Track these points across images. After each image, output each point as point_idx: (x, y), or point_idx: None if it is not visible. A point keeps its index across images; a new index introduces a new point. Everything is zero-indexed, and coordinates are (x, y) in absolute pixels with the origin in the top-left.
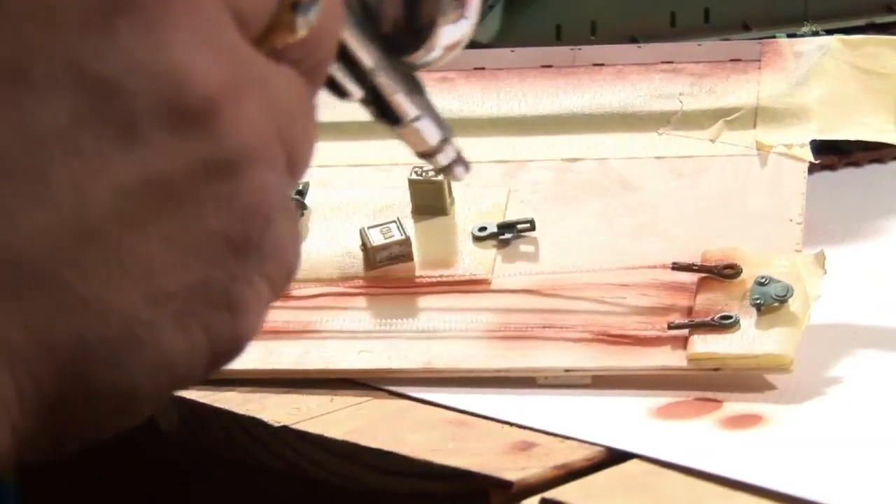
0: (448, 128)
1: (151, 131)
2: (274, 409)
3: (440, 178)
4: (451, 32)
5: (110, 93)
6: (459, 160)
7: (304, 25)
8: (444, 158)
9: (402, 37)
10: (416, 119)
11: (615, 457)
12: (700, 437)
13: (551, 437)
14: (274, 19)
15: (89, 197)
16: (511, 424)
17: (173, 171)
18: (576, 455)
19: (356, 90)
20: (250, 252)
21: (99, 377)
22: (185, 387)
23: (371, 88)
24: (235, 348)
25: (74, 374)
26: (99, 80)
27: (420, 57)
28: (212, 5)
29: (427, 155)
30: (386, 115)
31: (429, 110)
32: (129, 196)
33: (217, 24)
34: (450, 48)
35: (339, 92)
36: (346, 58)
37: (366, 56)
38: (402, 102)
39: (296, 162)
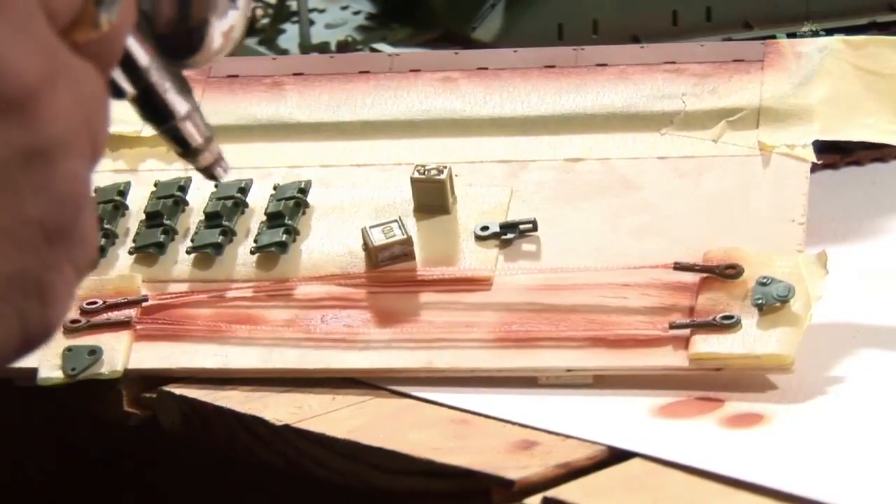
0: (211, 128)
1: None
2: (276, 407)
3: (443, 177)
4: (224, 24)
5: None
6: (221, 159)
7: (106, 21)
8: (208, 157)
9: (177, 37)
10: (185, 118)
11: (617, 456)
12: (701, 437)
13: (553, 436)
14: (78, 14)
15: None
16: (513, 423)
17: None
18: (577, 454)
19: (130, 88)
20: (63, 240)
21: None
22: None
23: (144, 87)
24: (45, 335)
25: None
26: None
27: (199, 58)
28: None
29: (191, 154)
30: (156, 113)
31: (196, 110)
32: None
33: (31, 16)
34: (225, 41)
35: (114, 90)
36: (122, 56)
37: (141, 54)
38: (174, 101)
39: (98, 151)
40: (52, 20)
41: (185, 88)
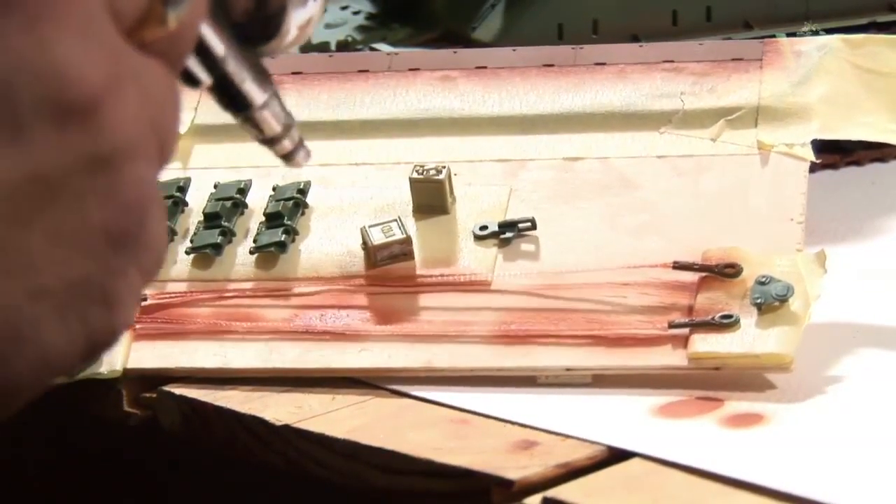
0: (290, 115)
1: (35, 127)
2: (276, 407)
3: (442, 176)
4: (302, 16)
5: None
6: (301, 146)
7: (174, 19)
8: (288, 144)
9: (254, 25)
10: (264, 106)
11: (616, 455)
12: (701, 436)
13: (553, 436)
14: (145, 12)
15: None
16: (512, 423)
17: (56, 166)
18: (577, 454)
19: (206, 78)
20: (128, 245)
21: None
22: (58, 379)
23: (221, 76)
24: (110, 341)
25: None
26: None
27: (275, 45)
28: (90, 1)
29: (271, 141)
30: (234, 102)
31: (275, 97)
32: (13, 192)
33: (96, 19)
34: (300, 33)
35: (189, 80)
36: (197, 45)
37: (218, 44)
38: (251, 89)
39: (165, 152)
40: (118, 20)
41: (263, 76)
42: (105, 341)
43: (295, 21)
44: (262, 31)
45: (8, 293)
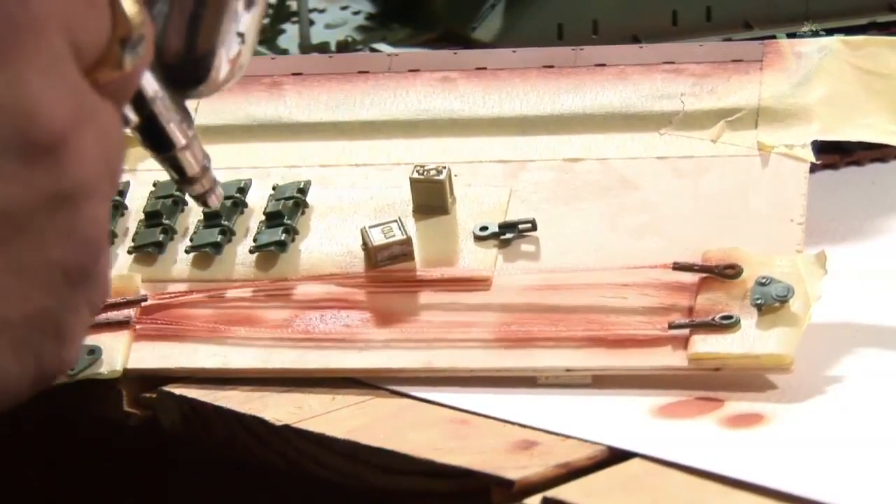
0: (208, 157)
1: (2, 164)
2: (276, 407)
3: (442, 177)
4: (230, 59)
5: None
6: (214, 188)
7: (130, 63)
8: (201, 186)
9: (184, 67)
10: (185, 148)
11: (616, 456)
12: (701, 437)
13: (553, 436)
14: (103, 54)
15: None
16: (512, 423)
17: (20, 202)
18: (577, 454)
19: (134, 117)
20: (83, 282)
21: None
22: (5, 409)
23: (148, 116)
24: (59, 372)
25: None
26: None
27: (206, 88)
28: (57, 41)
29: (187, 182)
30: (157, 141)
31: (195, 139)
32: None
33: (62, 59)
34: (228, 78)
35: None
36: None
37: (149, 85)
38: (175, 131)
39: (115, 190)
40: (79, 60)
41: (186, 118)
42: (54, 374)
43: (224, 62)
44: (193, 73)
45: None
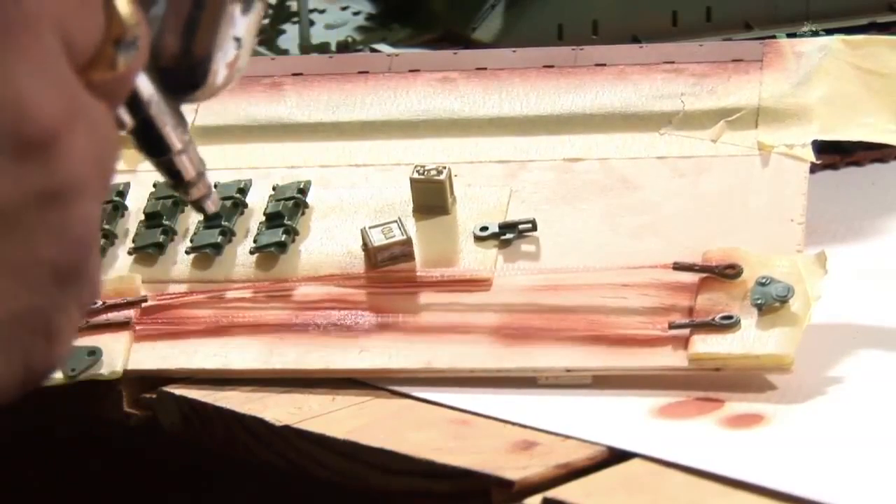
0: (203, 163)
1: None
2: (276, 408)
3: (442, 177)
4: (228, 57)
5: None
6: (210, 193)
7: (123, 63)
8: (197, 191)
9: (181, 70)
10: (181, 152)
11: (617, 456)
12: (701, 437)
13: (553, 437)
14: (96, 53)
15: None
16: (512, 424)
17: (9, 199)
18: (577, 454)
19: (129, 120)
20: (73, 281)
21: None
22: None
23: (143, 120)
24: (47, 373)
25: None
26: None
27: (203, 92)
28: (50, 39)
29: (183, 187)
30: (152, 145)
31: (191, 143)
32: None
33: (54, 55)
34: (224, 83)
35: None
36: None
37: (144, 88)
38: (170, 135)
39: (106, 190)
40: (71, 59)
41: (181, 122)
42: (43, 373)
43: (221, 66)
44: (189, 77)
45: None
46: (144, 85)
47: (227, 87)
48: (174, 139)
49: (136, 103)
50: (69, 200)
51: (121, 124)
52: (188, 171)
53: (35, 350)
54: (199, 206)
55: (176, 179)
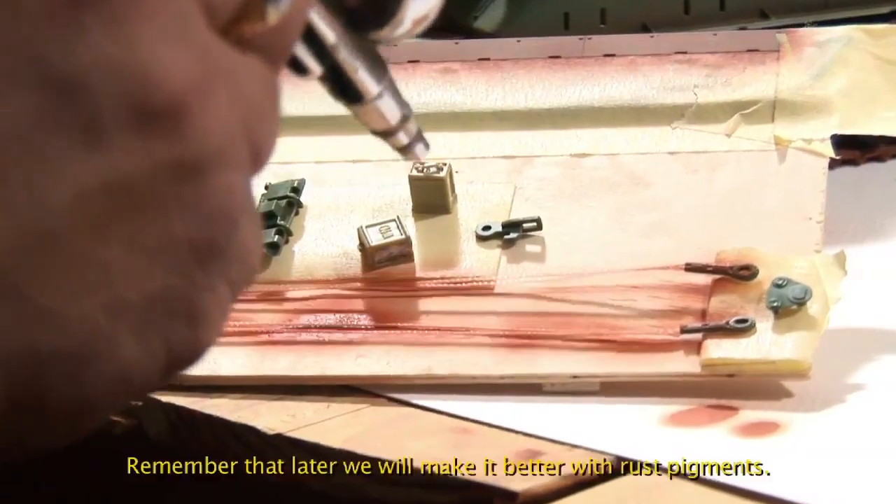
0: (408, 106)
1: (116, 132)
2: (268, 415)
3: (442, 174)
4: (420, 5)
5: (74, 91)
6: (419, 138)
7: (275, 14)
8: (404, 137)
9: (368, 11)
10: (378, 97)
11: (626, 466)
12: (715, 446)
13: (559, 446)
14: (243, 7)
15: (48, 201)
16: (516, 432)
17: (137, 174)
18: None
19: (316, 67)
20: (215, 258)
21: (54, 391)
22: (138, 397)
23: (332, 65)
24: (194, 357)
25: (28, 387)
26: (63, 77)
27: (387, 33)
28: None
29: (387, 134)
30: (346, 92)
31: (390, 87)
32: (91, 200)
33: (187, 16)
34: (418, 22)
35: (297, 68)
36: (307, 33)
37: (328, 32)
38: (364, 79)
39: (260, 157)
40: (212, 16)
41: (377, 64)
42: (188, 358)
43: (412, 11)
44: (376, 16)
45: (83, 307)
46: (327, 28)
47: (415, 33)
48: (368, 84)
49: (321, 48)
50: (206, 172)
51: (305, 71)
52: (386, 119)
53: (176, 334)
54: (406, 153)
55: (376, 127)
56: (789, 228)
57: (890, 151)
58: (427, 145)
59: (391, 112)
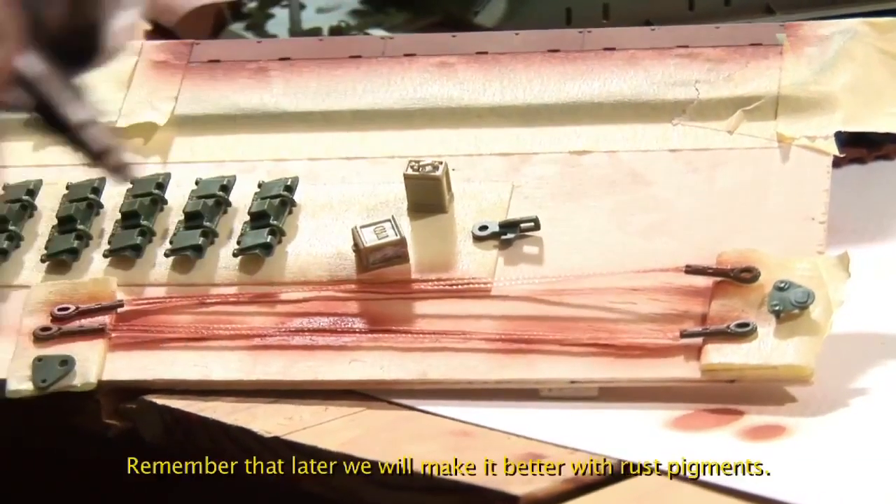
0: (112, 135)
1: None
2: (265, 418)
3: (438, 173)
4: (121, 20)
5: None
6: (126, 164)
7: None
8: (112, 162)
9: (72, 37)
10: (85, 125)
11: (627, 470)
12: (718, 449)
13: (560, 449)
14: None
15: None
16: (517, 436)
17: None
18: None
19: (28, 101)
20: None
21: None
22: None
23: (38, 97)
24: None
25: None
26: None
27: (99, 60)
28: None
29: (96, 158)
30: (53, 122)
31: (95, 115)
32: None
33: None
34: (122, 35)
35: (10, 106)
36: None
37: (30, 68)
38: (71, 109)
39: None
40: None
41: (82, 96)
42: None
43: (113, 26)
44: (81, 42)
45: None
46: (30, 64)
47: (122, 43)
48: (74, 113)
49: (27, 83)
50: None
51: (20, 107)
52: (96, 145)
53: None
54: (117, 174)
55: (86, 152)
56: (792, 229)
57: None
58: (133, 173)
59: (98, 139)
